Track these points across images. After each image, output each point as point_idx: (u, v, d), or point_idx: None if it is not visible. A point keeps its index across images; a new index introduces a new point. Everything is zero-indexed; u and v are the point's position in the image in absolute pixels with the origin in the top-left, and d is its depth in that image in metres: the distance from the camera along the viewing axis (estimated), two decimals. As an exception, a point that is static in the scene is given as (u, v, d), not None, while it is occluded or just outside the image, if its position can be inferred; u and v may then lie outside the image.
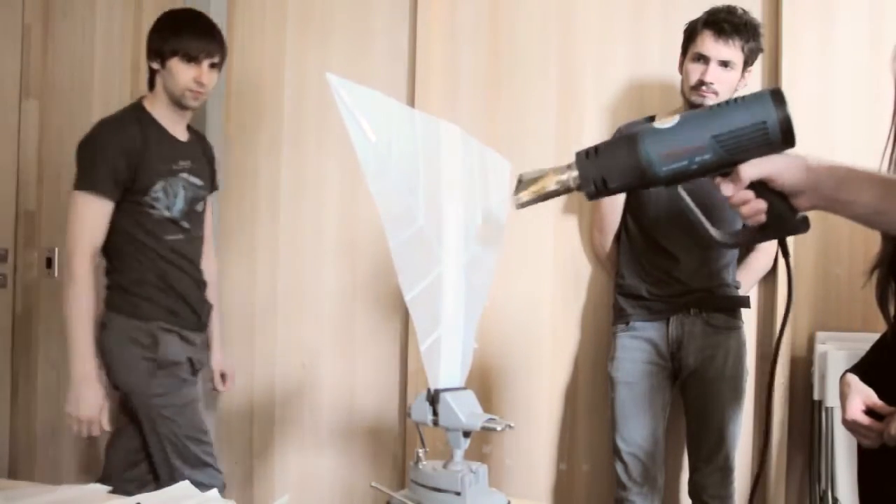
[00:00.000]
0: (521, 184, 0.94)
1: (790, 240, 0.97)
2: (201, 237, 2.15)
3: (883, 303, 1.29)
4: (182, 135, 2.10)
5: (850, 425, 1.20)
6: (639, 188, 0.97)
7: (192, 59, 1.95)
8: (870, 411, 1.19)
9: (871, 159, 2.16)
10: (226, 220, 2.74)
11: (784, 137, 0.87)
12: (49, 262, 2.96)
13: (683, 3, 2.19)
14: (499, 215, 1.07)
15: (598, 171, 0.91)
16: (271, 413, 2.70)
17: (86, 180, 1.97)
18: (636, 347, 2.08)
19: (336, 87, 0.85)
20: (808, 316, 2.19)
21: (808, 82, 2.20)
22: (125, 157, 1.95)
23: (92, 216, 1.97)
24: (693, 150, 0.90)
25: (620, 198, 2.14)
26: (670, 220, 2.02)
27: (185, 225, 2.04)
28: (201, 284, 2.13)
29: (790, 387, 2.17)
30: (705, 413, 2.05)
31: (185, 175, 2.04)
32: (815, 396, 2.06)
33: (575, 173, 0.92)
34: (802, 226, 0.93)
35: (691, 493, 2.10)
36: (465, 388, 0.98)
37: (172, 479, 1.94)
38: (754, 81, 2.15)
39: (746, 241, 0.97)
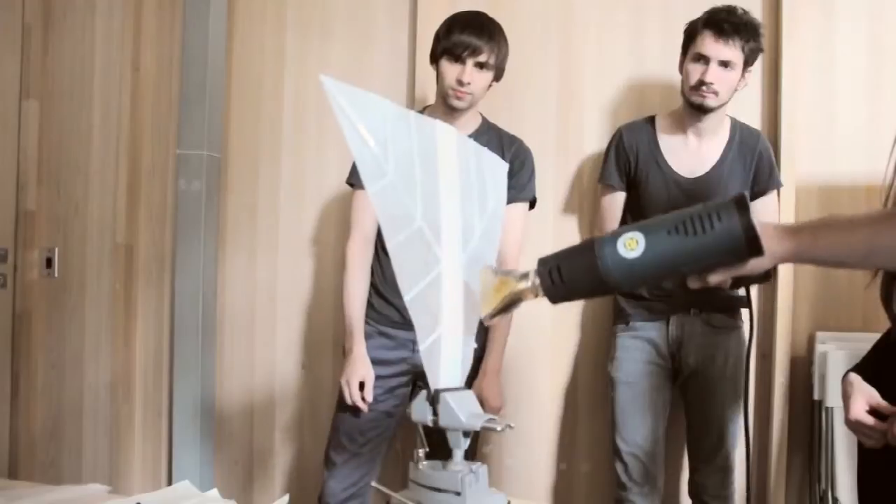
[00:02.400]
0: (484, 296, 0.95)
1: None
2: None
3: (888, 303, 1.29)
4: None
5: (854, 425, 1.20)
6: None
7: (456, 57, 1.90)
8: (873, 411, 1.19)
9: (870, 159, 2.17)
10: (226, 220, 2.75)
11: (751, 251, 0.88)
12: (49, 262, 2.97)
13: (683, 3, 2.18)
14: (497, 215, 1.07)
15: (564, 291, 0.92)
16: (271, 413, 2.70)
17: (350, 175, 2.08)
18: (636, 347, 2.08)
19: (330, 88, 0.85)
20: (808, 316, 2.19)
21: (808, 82, 2.20)
22: None
23: (356, 207, 2.06)
24: (659, 277, 0.93)
25: (620, 198, 2.14)
26: (670, 221, 2.02)
27: None
28: None
29: (790, 387, 2.17)
30: (705, 413, 2.05)
31: None
32: (815, 396, 2.06)
33: (537, 282, 0.92)
34: (765, 279, 0.96)
35: (691, 493, 2.10)
36: (465, 388, 0.98)
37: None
38: (754, 81, 2.16)
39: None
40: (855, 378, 1.25)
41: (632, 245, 0.88)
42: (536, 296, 0.93)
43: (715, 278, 0.92)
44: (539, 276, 0.92)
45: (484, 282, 0.95)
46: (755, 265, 0.91)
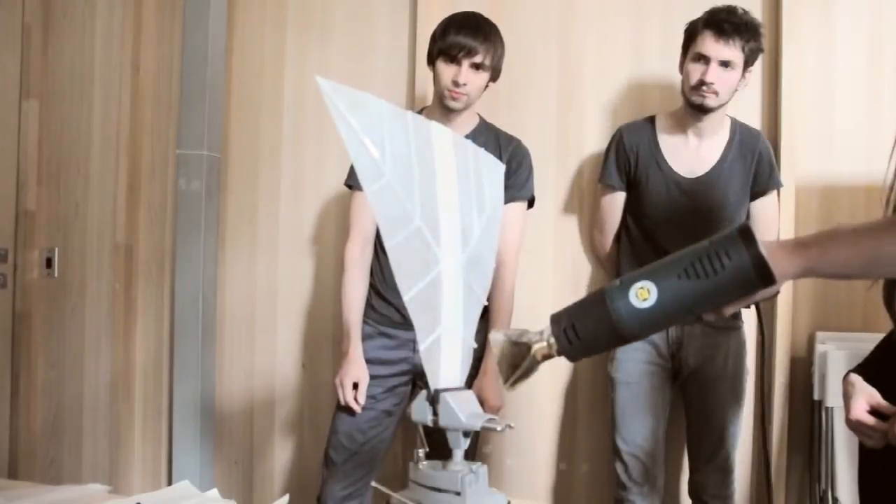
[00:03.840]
0: (502, 366, 0.93)
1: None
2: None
3: (890, 303, 1.29)
4: None
5: (855, 425, 1.20)
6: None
7: (452, 58, 1.90)
8: (874, 411, 1.18)
9: (870, 159, 2.17)
10: (226, 220, 2.75)
11: (763, 282, 0.87)
12: (49, 262, 2.97)
13: (683, 3, 2.19)
14: (495, 215, 1.07)
15: (582, 348, 0.91)
16: (271, 413, 2.70)
17: (348, 177, 2.08)
18: (636, 348, 2.07)
19: (326, 90, 0.85)
20: (808, 316, 2.19)
21: (808, 82, 2.20)
22: None
23: (354, 208, 2.06)
24: (675, 321, 0.92)
25: (620, 198, 2.14)
26: (670, 221, 2.02)
27: None
28: None
29: (790, 387, 2.17)
30: (705, 413, 2.05)
31: None
32: (815, 396, 2.06)
33: (552, 340, 0.91)
34: (773, 295, 0.97)
35: (691, 493, 2.10)
36: (465, 388, 0.98)
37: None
38: (754, 81, 2.15)
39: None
40: (856, 378, 1.25)
41: (643, 295, 0.87)
42: (553, 356, 0.92)
43: (729, 311, 0.93)
44: (555, 338, 0.91)
45: (500, 351, 0.94)
46: (766, 291, 0.91)
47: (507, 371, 0.94)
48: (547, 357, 0.92)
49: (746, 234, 0.85)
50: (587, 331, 0.90)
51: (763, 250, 0.85)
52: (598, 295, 0.90)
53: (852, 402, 1.21)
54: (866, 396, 1.20)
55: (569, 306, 0.92)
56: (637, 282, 0.88)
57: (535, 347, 0.92)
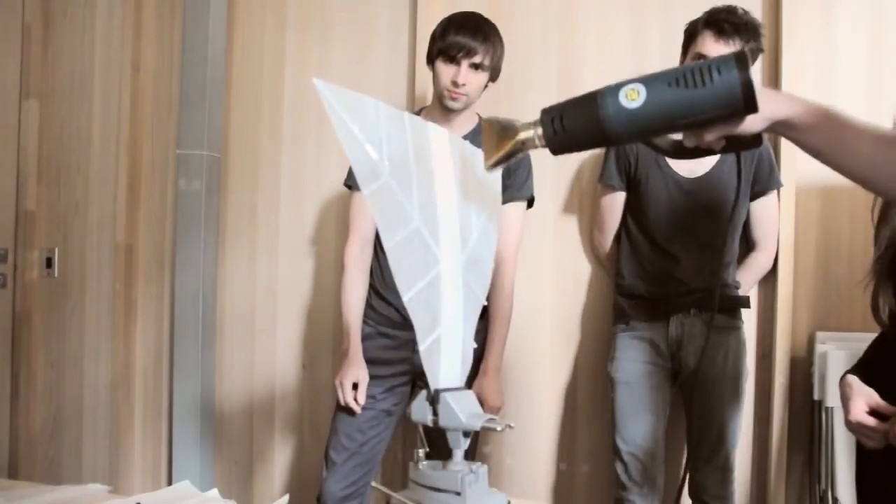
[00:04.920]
0: (487, 146, 0.95)
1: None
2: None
3: (876, 311, 1.29)
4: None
5: (855, 427, 1.20)
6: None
7: (451, 59, 1.91)
8: (873, 412, 1.19)
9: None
10: (226, 220, 2.75)
11: (747, 107, 0.88)
12: (49, 262, 2.97)
13: (683, 3, 2.18)
14: (493, 215, 1.07)
15: (566, 140, 0.92)
16: (271, 413, 2.70)
17: (347, 177, 2.08)
18: (636, 347, 2.07)
19: (323, 91, 0.85)
20: (808, 316, 2.19)
21: (808, 82, 2.20)
22: None
23: (354, 209, 2.07)
24: (658, 129, 0.93)
25: (621, 198, 2.14)
26: (670, 221, 2.02)
27: None
28: None
29: (790, 387, 2.17)
30: (705, 413, 2.05)
31: None
32: (815, 396, 2.06)
33: (539, 131, 0.93)
34: (756, 144, 0.97)
35: (691, 493, 2.09)
36: (465, 388, 0.98)
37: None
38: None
39: (702, 155, 1.00)
40: (853, 380, 1.25)
41: (633, 96, 0.89)
42: (537, 146, 0.93)
43: (710, 136, 0.93)
44: (541, 125, 0.93)
45: (487, 132, 0.96)
46: (749, 125, 0.92)
47: (490, 151, 0.95)
48: (530, 144, 0.93)
49: (741, 58, 0.87)
50: (573, 124, 0.91)
51: (754, 79, 0.87)
52: (591, 93, 0.92)
53: (851, 403, 1.21)
54: (865, 397, 1.20)
55: (562, 101, 0.94)
56: (629, 84, 0.90)
57: (522, 134, 0.94)
